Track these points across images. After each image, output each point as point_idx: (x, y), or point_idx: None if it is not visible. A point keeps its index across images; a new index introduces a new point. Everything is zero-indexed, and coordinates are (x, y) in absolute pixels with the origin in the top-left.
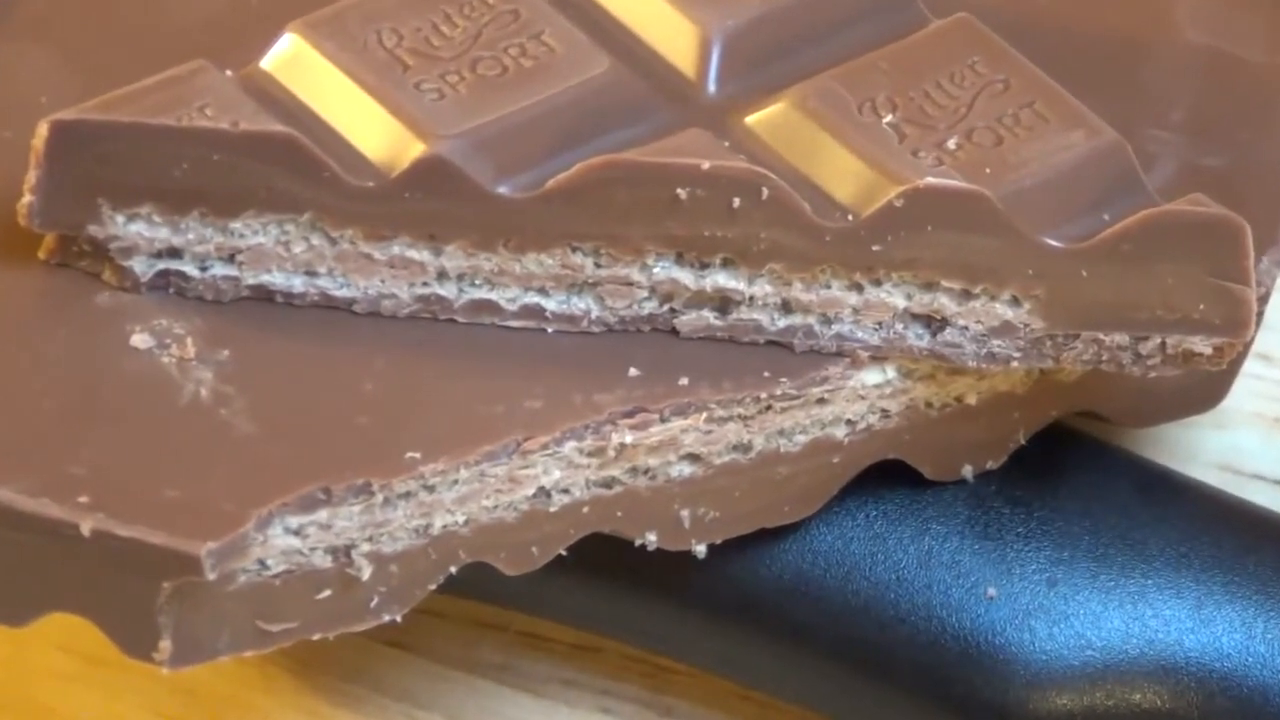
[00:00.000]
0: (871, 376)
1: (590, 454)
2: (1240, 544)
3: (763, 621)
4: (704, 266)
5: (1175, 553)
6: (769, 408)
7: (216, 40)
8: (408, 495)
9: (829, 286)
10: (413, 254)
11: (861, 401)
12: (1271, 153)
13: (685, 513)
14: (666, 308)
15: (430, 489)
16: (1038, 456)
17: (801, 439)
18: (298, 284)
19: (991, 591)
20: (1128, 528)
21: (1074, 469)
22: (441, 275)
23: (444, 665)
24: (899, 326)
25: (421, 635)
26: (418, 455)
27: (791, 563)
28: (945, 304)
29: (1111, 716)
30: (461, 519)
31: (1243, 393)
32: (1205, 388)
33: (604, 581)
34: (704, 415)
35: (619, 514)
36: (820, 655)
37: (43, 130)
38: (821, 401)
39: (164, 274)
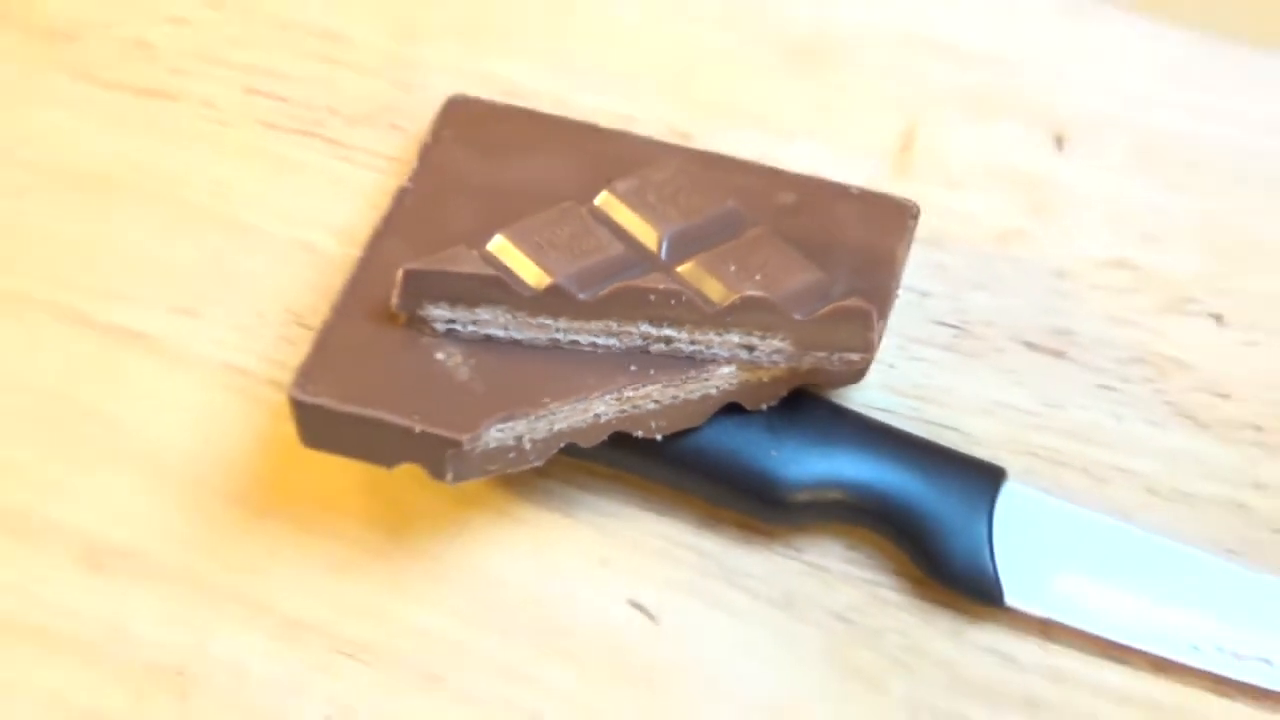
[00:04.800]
0: (727, 370)
1: (617, 401)
2: (882, 431)
3: (680, 459)
4: (660, 324)
5: (854, 433)
6: (686, 381)
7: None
8: (544, 416)
9: (707, 334)
10: (545, 320)
11: (723, 379)
12: (878, 279)
13: (654, 424)
14: (644, 342)
15: (553, 415)
16: (792, 401)
17: (698, 392)
18: (502, 333)
19: (774, 452)
20: (831, 423)
21: (808, 406)
22: (556, 330)
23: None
24: (738, 351)
25: (546, 469)
26: (550, 400)
27: (692, 437)
28: (754, 341)
29: (822, 503)
30: (568, 426)
31: (874, 378)
32: (857, 373)
33: (630, 448)
34: (659, 386)
35: (644, 421)
36: (699, 471)
37: (400, 272)
38: (705, 379)
39: (450, 328)
